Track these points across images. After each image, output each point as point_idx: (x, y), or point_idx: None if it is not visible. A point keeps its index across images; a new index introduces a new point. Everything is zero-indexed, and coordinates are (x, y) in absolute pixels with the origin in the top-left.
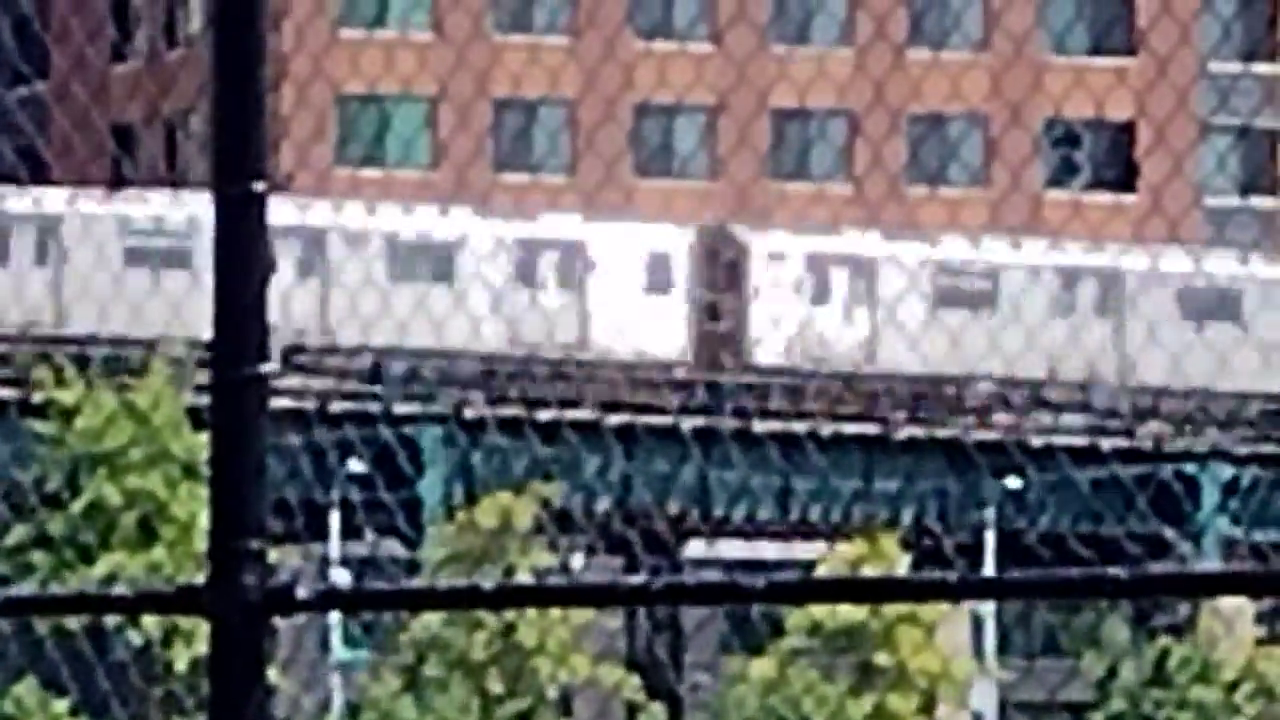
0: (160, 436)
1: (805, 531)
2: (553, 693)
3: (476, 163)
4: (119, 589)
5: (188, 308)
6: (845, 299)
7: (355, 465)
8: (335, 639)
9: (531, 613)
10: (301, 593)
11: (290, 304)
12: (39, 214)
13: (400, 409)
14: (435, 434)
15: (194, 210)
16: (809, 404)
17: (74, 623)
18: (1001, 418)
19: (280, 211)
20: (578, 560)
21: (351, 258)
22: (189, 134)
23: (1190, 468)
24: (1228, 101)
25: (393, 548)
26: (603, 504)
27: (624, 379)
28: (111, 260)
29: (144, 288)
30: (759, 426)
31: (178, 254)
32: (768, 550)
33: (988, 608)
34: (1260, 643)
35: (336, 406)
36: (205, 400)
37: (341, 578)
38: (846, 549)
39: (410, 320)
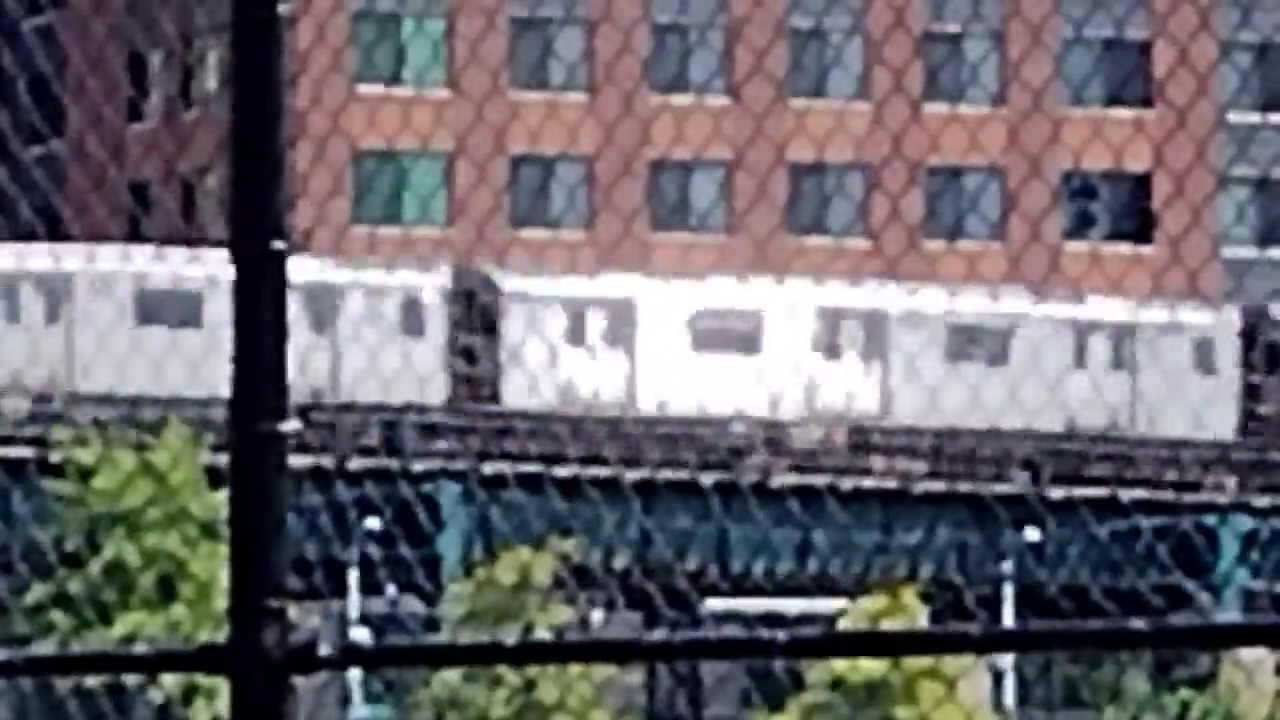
0: (179, 495)
1: (826, 586)
2: None
3: (494, 219)
4: (140, 648)
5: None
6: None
7: (374, 522)
8: (356, 696)
9: (552, 669)
10: (324, 651)
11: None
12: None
13: (419, 466)
14: (454, 490)
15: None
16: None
17: (94, 682)
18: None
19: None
20: (597, 616)
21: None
22: (206, 192)
23: (1210, 520)
24: (1246, 152)
25: (412, 604)
26: (622, 559)
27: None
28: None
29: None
30: (776, 481)
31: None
32: (788, 605)
33: (1007, 660)
34: None
35: (355, 464)
36: (223, 459)
37: (361, 635)
38: (867, 603)
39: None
